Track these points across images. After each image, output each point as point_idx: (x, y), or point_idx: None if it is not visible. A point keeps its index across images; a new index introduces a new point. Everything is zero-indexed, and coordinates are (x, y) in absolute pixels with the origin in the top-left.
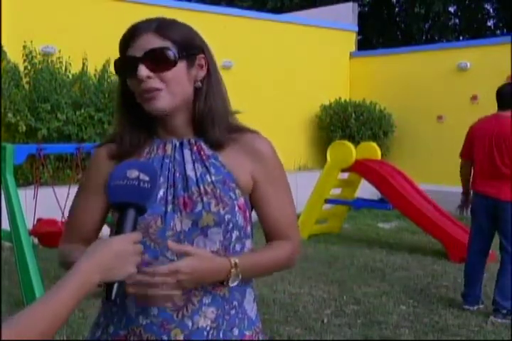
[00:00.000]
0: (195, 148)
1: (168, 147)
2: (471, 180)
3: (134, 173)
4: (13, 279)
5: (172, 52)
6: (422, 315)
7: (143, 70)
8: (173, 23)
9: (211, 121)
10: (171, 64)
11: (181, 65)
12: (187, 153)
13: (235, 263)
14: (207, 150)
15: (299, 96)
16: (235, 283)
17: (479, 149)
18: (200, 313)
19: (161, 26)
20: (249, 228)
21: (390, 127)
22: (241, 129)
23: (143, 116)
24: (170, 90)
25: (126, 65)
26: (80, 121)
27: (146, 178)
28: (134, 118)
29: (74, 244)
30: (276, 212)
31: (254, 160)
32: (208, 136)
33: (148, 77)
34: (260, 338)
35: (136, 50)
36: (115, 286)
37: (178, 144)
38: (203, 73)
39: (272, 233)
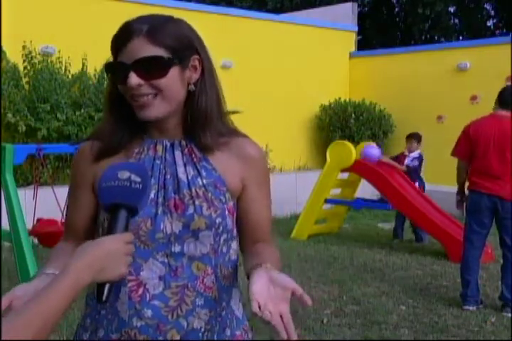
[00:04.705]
0: (186, 150)
1: (159, 148)
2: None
3: (125, 174)
4: (13, 279)
5: (164, 60)
6: (421, 315)
7: (133, 78)
8: (165, 24)
9: (202, 124)
10: (163, 72)
11: (174, 71)
12: (178, 154)
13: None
14: (198, 153)
15: (298, 96)
16: None
17: (482, 148)
18: (194, 314)
19: (153, 29)
20: (235, 230)
21: (389, 127)
22: (231, 133)
23: (131, 114)
24: (162, 97)
25: (117, 69)
26: (79, 121)
27: (138, 179)
28: (122, 117)
29: (68, 243)
30: (261, 216)
31: (245, 165)
32: (198, 139)
33: (139, 85)
34: (249, 336)
35: (126, 56)
36: (106, 287)
37: (169, 145)
38: (196, 75)
39: (254, 236)
